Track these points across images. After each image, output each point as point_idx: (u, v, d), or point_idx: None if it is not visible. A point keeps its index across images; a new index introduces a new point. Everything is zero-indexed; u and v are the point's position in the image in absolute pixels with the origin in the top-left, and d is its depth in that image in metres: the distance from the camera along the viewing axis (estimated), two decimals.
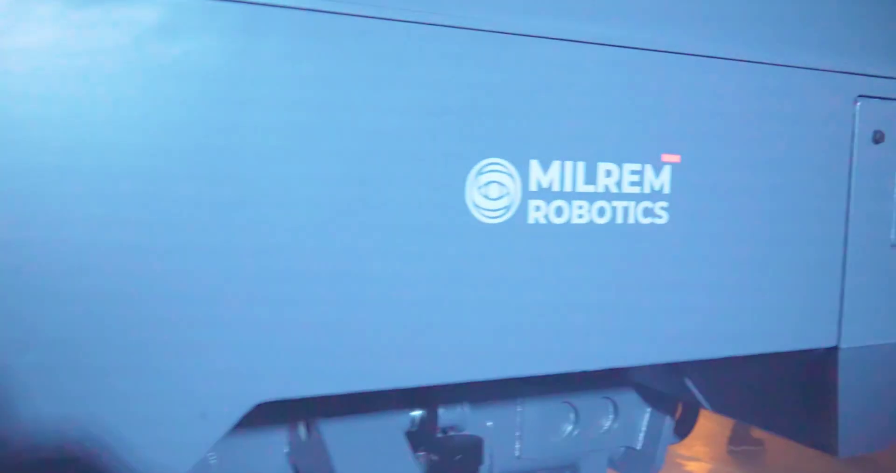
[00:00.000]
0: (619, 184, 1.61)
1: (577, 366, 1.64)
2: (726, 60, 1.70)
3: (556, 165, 1.55)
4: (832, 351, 1.91)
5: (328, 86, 1.35)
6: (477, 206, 1.49)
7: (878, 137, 1.88)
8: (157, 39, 1.23)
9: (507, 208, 1.52)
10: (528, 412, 2.36)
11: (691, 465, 4.89)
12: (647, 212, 1.65)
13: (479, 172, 1.49)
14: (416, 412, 2.19)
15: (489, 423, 2.30)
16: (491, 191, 1.50)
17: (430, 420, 2.18)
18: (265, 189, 1.32)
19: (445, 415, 2.19)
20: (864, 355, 1.94)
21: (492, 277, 1.51)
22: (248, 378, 1.34)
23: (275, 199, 1.33)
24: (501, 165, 1.50)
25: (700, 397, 2.29)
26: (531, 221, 1.54)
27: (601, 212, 1.60)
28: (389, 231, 1.42)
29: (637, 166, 1.62)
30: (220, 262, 1.30)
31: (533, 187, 1.53)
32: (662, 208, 1.66)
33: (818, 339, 1.89)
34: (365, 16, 1.37)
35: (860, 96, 1.86)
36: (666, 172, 1.66)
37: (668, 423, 2.57)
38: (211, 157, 1.28)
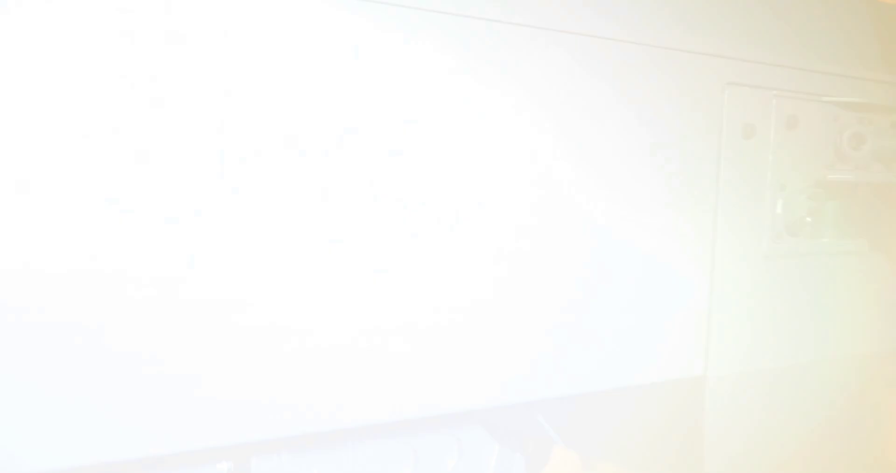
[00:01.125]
0: None
1: (400, 413, 1.46)
2: (575, 35, 1.53)
3: None
4: (698, 380, 1.83)
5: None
6: None
7: (748, 132, 1.79)
8: None
9: None
10: (361, 458, 2.17)
11: None
12: None
13: None
14: (224, 465, 1.94)
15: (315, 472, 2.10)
16: None
17: None
18: None
19: (261, 467, 1.97)
20: (734, 383, 1.87)
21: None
22: None
23: None
24: None
25: (553, 433, 2.20)
26: None
27: None
28: None
29: None
30: None
31: None
32: None
33: (682, 368, 1.79)
34: None
35: (729, 84, 1.76)
36: None
37: (519, 461, 2.46)
38: None
